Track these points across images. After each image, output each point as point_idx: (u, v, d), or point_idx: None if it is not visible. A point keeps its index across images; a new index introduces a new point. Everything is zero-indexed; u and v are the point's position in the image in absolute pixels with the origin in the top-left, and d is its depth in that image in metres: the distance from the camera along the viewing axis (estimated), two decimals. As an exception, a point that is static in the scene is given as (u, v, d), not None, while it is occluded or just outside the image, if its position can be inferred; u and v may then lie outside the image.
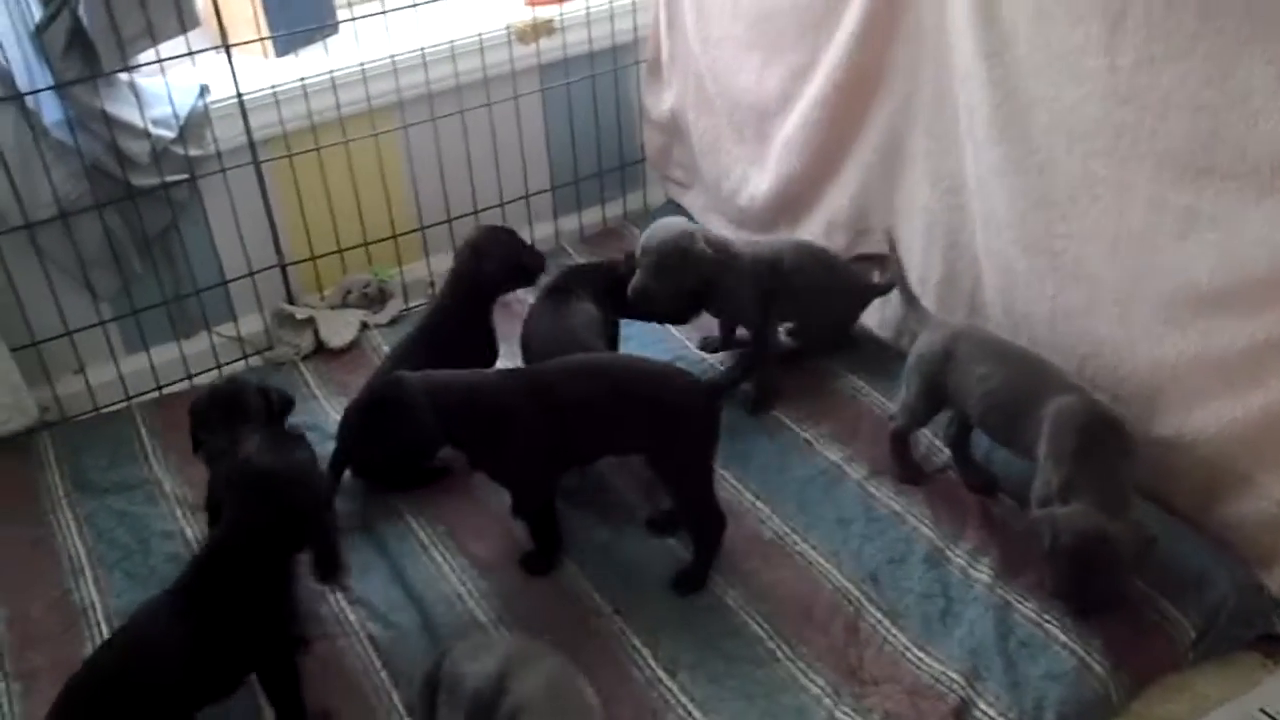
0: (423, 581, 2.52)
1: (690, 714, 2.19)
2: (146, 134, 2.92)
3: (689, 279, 2.76)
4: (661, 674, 2.27)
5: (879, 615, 2.36)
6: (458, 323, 2.80)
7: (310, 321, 3.23)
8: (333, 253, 3.32)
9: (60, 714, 1.90)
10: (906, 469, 2.66)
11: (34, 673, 2.35)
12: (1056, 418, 2.31)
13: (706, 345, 3.11)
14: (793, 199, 3.15)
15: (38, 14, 2.76)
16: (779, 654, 2.30)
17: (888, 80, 2.82)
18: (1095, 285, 2.43)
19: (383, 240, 3.35)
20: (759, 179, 3.23)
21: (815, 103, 2.95)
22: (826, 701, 2.19)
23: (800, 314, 2.97)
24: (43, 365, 3.03)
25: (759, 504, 2.64)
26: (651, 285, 2.73)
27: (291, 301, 3.32)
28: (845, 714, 2.16)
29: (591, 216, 3.71)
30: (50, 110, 2.84)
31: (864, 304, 3.00)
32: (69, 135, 2.85)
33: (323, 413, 2.98)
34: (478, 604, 2.45)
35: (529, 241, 2.95)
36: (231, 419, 2.38)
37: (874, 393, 2.92)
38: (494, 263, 2.79)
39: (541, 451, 2.39)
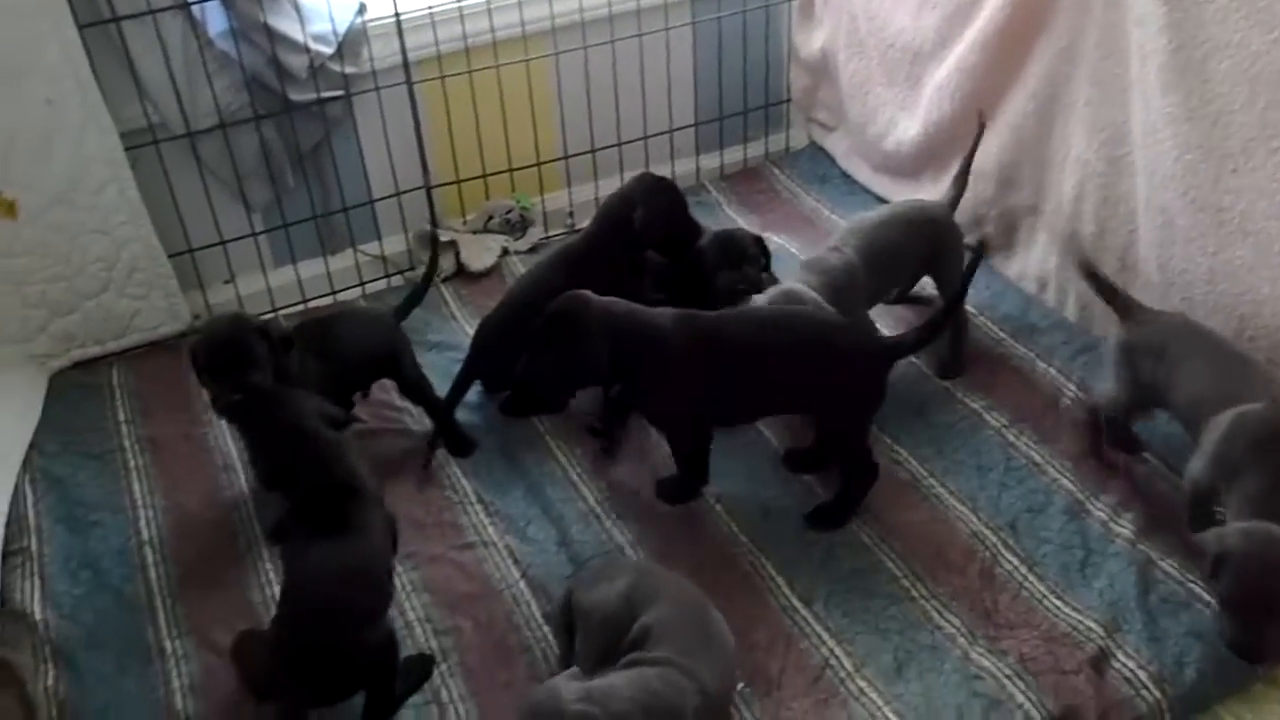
0: (561, 500, 2.57)
1: (823, 642, 2.22)
2: (305, 49, 2.98)
3: None
4: (797, 603, 2.30)
5: (1015, 562, 2.35)
6: (598, 261, 2.75)
7: (452, 244, 3.28)
8: (477, 177, 3.36)
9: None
10: (1099, 450, 2.56)
11: (189, 560, 2.47)
12: (1236, 422, 2.15)
13: None
14: (941, 146, 3.10)
15: (209, -75, 2.83)
16: (913, 592, 2.31)
17: (1052, 24, 2.75)
18: (1262, 242, 2.35)
19: (527, 167, 3.38)
20: (907, 124, 3.19)
21: (973, 46, 2.90)
22: (961, 641, 2.20)
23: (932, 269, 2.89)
24: (197, 273, 3.13)
25: (896, 446, 2.64)
26: None
27: (434, 223, 3.37)
28: (980, 654, 2.17)
29: (733, 155, 3.69)
30: (215, 21, 2.92)
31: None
32: (232, 47, 2.92)
33: (461, 333, 3.03)
34: (614, 525, 2.50)
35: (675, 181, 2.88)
36: (234, 366, 2.30)
37: (1015, 344, 2.88)
38: (645, 217, 2.73)
39: (699, 398, 2.37)
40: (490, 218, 3.36)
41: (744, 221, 3.40)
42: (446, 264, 3.27)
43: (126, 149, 2.88)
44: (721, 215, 3.45)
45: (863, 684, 2.14)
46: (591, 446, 2.71)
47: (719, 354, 2.33)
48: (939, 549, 2.39)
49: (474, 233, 3.35)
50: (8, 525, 2.54)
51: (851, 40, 3.33)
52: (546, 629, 2.27)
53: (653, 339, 2.31)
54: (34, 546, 2.51)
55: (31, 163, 2.78)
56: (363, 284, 3.30)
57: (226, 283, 3.19)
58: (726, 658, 2.03)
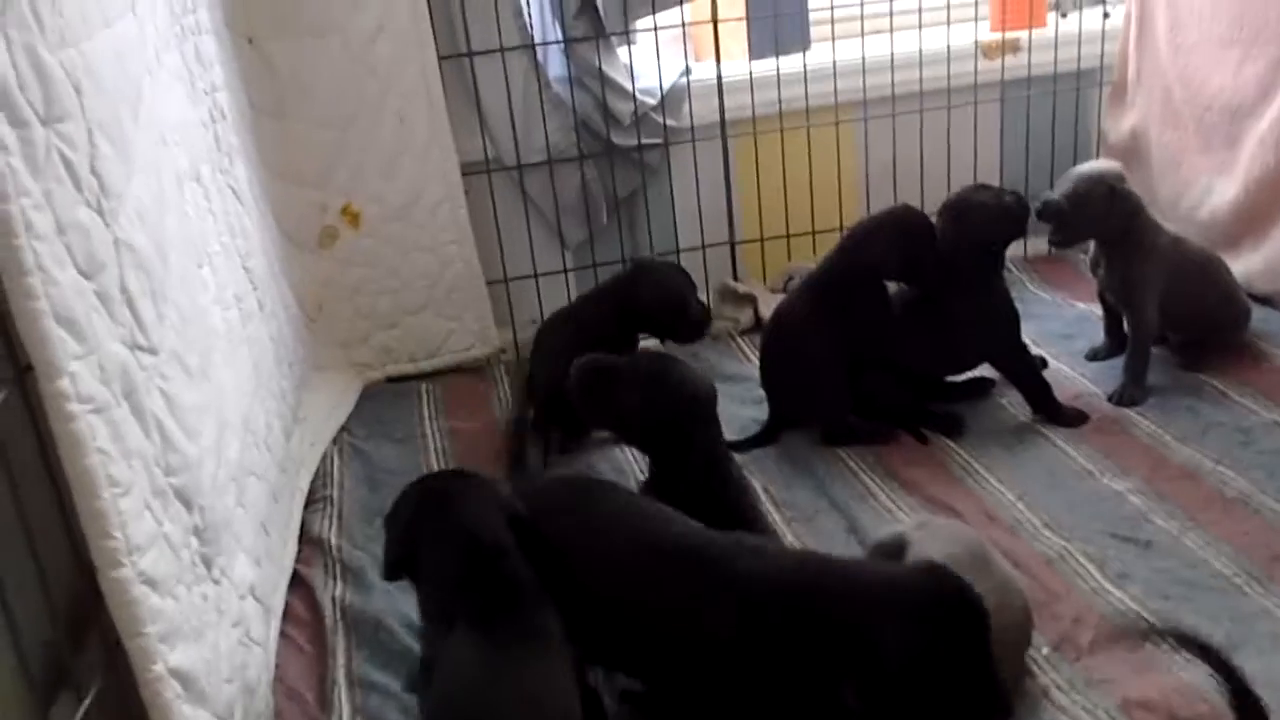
0: (851, 498, 2.48)
1: (1143, 618, 2.01)
2: (632, 96, 3.22)
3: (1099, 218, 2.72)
4: (1109, 586, 2.11)
5: (1368, 569, 2.09)
6: (842, 289, 2.72)
7: (751, 299, 3.35)
8: (781, 237, 3.45)
9: None
10: None
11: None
12: None
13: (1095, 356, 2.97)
14: (1263, 202, 2.98)
15: (559, -22, 3.16)
16: (1246, 590, 2.08)
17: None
18: None
19: (830, 231, 3.41)
20: (1224, 187, 3.09)
21: (1301, 88, 2.82)
22: (1306, 634, 1.95)
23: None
24: (509, 305, 3.31)
25: (1220, 469, 2.43)
26: (1064, 208, 2.70)
27: (735, 280, 3.46)
28: (1329, 647, 1.91)
29: (1038, 246, 3.48)
30: (555, 66, 3.21)
31: None
32: (566, 90, 3.19)
33: (754, 372, 3.02)
34: (907, 518, 2.39)
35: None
36: None
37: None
38: (882, 251, 2.68)
39: None
40: (790, 278, 3.40)
41: (1052, 297, 3.35)
42: (745, 318, 3.32)
43: (462, 175, 3.12)
44: (1026, 293, 3.37)
45: (1190, 656, 1.89)
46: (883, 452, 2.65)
47: None
48: (1276, 553, 2.15)
49: (772, 291, 3.40)
50: (314, 480, 2.68)
51: (1166, 112, 3.29)
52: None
53: None
54: (335, 495, 2.62)
55: (379, 177, 3.06)
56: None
57: (533, 322, 3.30)
58: (1010, 591, 1.89)
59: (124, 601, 1.40)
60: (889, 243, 2.68)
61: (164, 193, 1.81)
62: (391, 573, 1.85)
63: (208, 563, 1.70)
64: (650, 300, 2.78)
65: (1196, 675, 1.86)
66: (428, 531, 1.78)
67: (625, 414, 2.20)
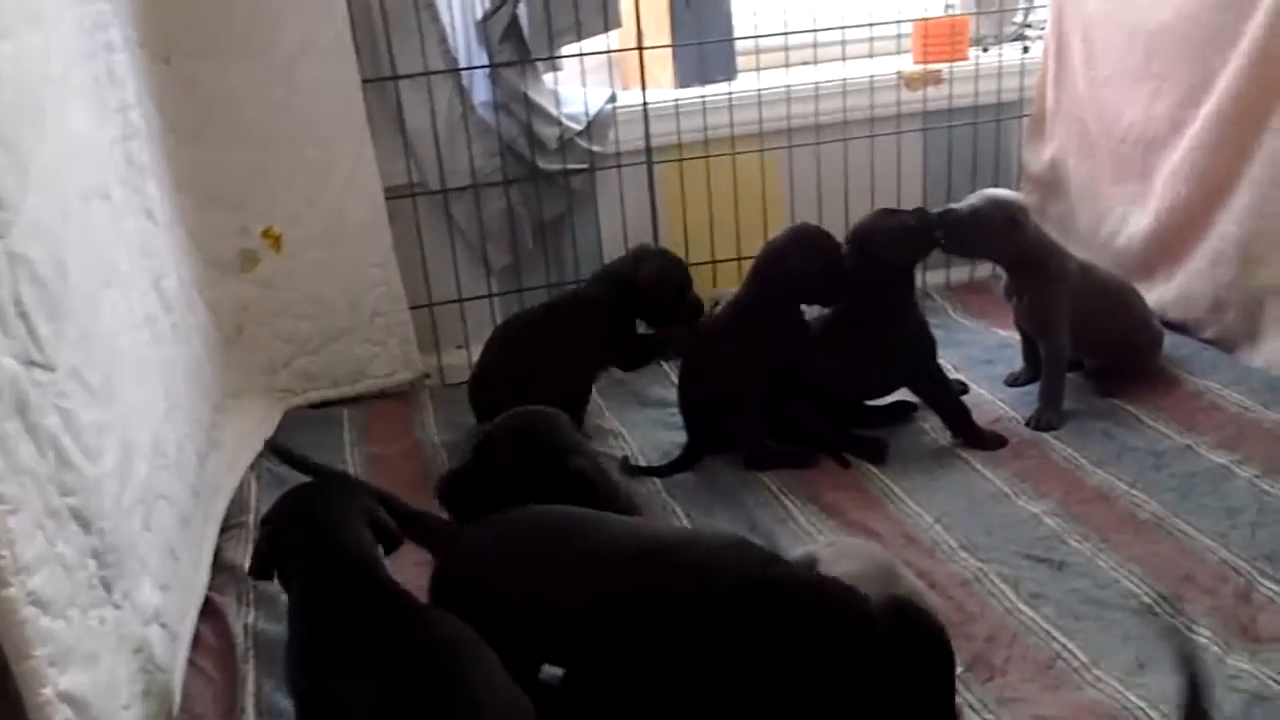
0: (773, 521, 2.49)
1: (1054, 638, 2.03)
2: (558, 121, 3.22)
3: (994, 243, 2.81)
4: (1023, 606, 2.13)
5: (1275, 588, 2.11)
6: (759, 316, 2.75)
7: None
8: (707, 263, 3.46)
9: None
10: None
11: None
12: None
13: (1015, 382, 3.02)
14: (1175, 232, 3.04)
15: (485, 5, 3.16)
16: (1156, 610, 2.10)
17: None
18: None
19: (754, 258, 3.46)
20: (1139, 217, 3.16)
21: (1209, 121, 2.88)
22: (1214, 650, 1.96)
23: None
24: (434, 331, 3.30)
25: (1134, 492, 2.46)
26: (964, 220, 2.73)
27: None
28: (1238, 660, 1.93)
29: (960, 274, 3.67)
30: (480, 91, 3.21)
31: None
32: (492, 116, 3.19)
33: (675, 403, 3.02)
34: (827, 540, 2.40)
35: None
36: None
37: (1266, 411, 2.69)
38: (799, 269, 2.71)
39: None
40: (716, 303, 3.40)
41: (974, 325, 3.40)
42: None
43: (386, 199, 3.11)
44: (950, 321, 3.44)
45: (1100, 674, 1.93)
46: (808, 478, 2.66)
47: None
48: (1186, 574, 2.18)
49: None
50: (230, 506, 2.63)
51: (1082, 145, 3.36)
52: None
53: None
54: (251, 522, 2.57)
55: (302, 200, 3.03)
56: (589, 361, 3.37)
57: (459, 348, 3.32)
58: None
59: (12, 623, 1.37)
60: (804, 257, 2.70)
61: (67, 208, 1.78)
62: (257, 570, 1.85)
63: (108, 586, 1.66)
64: (651, 281, 2.86)
65: (1105, 693, 1.90)
66: (292, 538, 1.79)
67: (510, 483, 2.10)
